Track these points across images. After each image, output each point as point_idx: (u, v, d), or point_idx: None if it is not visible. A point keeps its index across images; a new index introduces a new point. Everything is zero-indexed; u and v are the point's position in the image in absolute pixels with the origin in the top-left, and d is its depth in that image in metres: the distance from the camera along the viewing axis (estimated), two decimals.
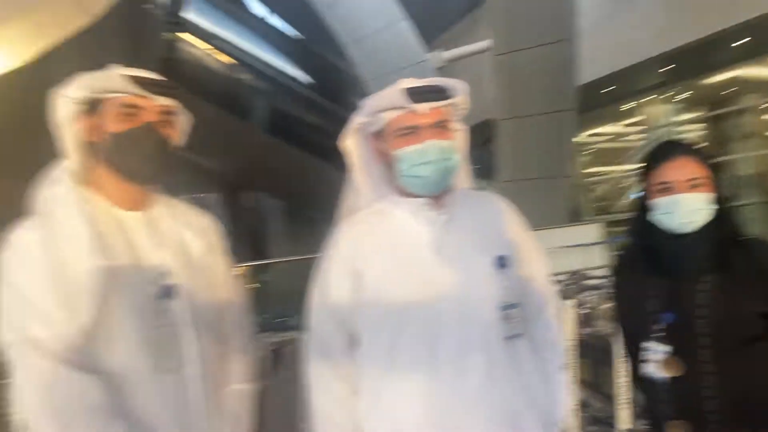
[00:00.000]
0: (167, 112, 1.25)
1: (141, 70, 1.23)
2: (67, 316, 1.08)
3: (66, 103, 1.20)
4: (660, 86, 14.29)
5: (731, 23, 10.39)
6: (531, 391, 1.23)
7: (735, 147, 14.15)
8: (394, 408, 1.17)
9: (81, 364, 1.08)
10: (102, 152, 1.20)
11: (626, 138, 17.89)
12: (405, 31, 11.30)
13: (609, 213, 15.07)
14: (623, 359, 2.21)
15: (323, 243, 1.39)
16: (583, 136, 17.28)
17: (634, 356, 1.38)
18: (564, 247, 7.76)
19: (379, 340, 1.19)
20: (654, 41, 11.81)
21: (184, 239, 1.28)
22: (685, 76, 13.62)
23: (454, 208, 1.27)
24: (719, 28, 10.62)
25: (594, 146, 19.03)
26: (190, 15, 13.00)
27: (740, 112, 13.92)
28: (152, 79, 1.22)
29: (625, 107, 15.81)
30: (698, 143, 1.42)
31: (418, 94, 1.19)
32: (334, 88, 14.79)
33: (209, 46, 13.17)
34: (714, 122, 14.51)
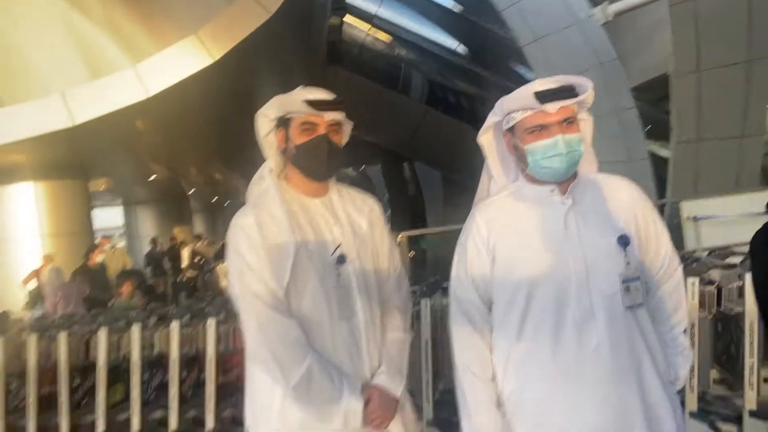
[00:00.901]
0: (336, 124, 1.54)
1: (318, 90, 1.55)
2: (274, 277, 1.45)
3: (264, 121, 1.57)
4: None
5: None
6: (650, 353, 1.34)
7: None
8: (523, 364, 1.35)
9: (284, 311, 1.45)
10: (290, 157, 1.56)
11: None
12: None
13: None
14: (752, 339, 2.09)
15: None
16: None
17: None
18: (755, 214, 6.88)
19: (512, 307, 1.35)
20: None
21: (352, 218, 1.59)
22: None
23: (579, 193, 1.39)
24: None
25: None
26: None
27: None
28: (323, 100, 1.51)
29: None
30: None
31: (546, 96, 1.31)
32: (492, 57, 14.54)
33: (369, 26, 13.76)
34: None
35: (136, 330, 2.92)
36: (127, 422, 3.11)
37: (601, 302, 1.31)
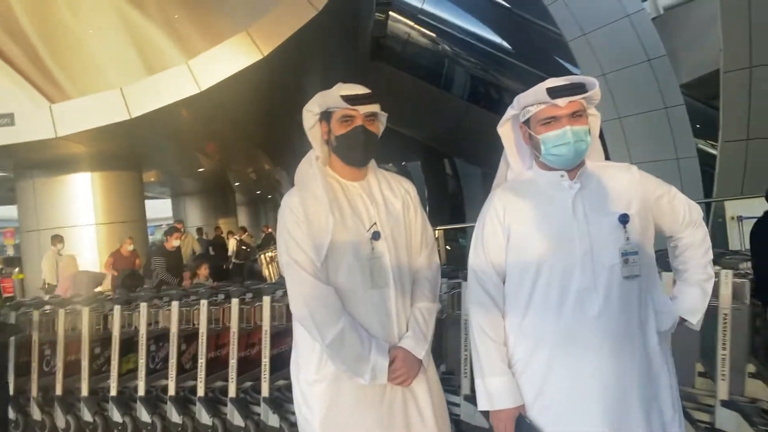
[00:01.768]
0: (371, 115, 1.72)
1: (354, 86, 1.73)
2: (314, 249, 1.65)
3: (309, 115, 1.77)
4: None
5: None
6: (648, 320, 1.50)
7: None
8: (531, 332, 1.51)
9: (323, 278, 1.65)
10: (333, 147, 1.75)
11: None
12: None
13: None
14: (725, 331, 2.14)
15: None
16: None
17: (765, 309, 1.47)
18: None
19: (523, 280, 1.51)
20: None
21: (387, 199, 1.77)
22: None
23: (585, 179, 1.56)
24: None
25: None
26: None
27: None
28: (359, 95, 1.70)
29: None
30: None
31: (557, 91, 1.49)
32: (537, 52, 14.38)
33: (414, 22, 13.83)
34: None
35: (204, 304, 3.22)
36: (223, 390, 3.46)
37: (602, 274, 1.47)
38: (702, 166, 9.55)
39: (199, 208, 18.89)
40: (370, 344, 1.63)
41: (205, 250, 12.77)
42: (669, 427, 1.47)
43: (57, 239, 8.77)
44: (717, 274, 2.22)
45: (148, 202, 12.53)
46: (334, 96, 1.70)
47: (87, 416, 3.70)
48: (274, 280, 7.16)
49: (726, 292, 2.15)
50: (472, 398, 2.59)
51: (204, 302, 3.29)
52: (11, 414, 3.79)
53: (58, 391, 3.76)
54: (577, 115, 1.51)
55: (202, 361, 3.32)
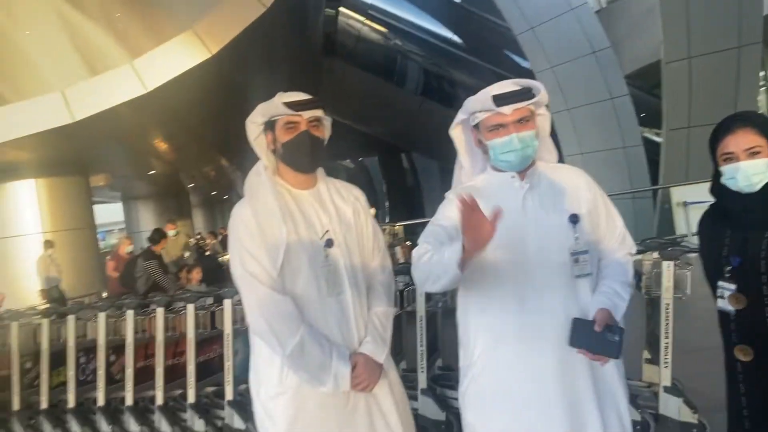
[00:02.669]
0: (315, 120, 1.73)
1: (295, 93, 1.73)
2: (270, 259, 1.64)
3: (252, 127, 1.76)
4: None
5: None
6: (588, 309, 1.50)
7: None
8: (491, 327, 1.53)
9: (279, 289, 1.63)
10: (279, 155, 1.74)
11: None
12: None
13: None
14: (667, 320, 2.25)
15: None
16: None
17: (713, 294, 1.56)
18: None
19: (482, 278, 1.52)
20: None
21: (338, 207, 1.78)
22: None
23: (536, 179, 1.59)
24: None
25: None
26: None
27: None
28: (302, 100, 1.70)
29: None
30: (762, 115, 1.53)
31: (502, 99, 1.51)
32: (487, 46, 14.59)
33: (365, 17, 13.80)
34: None
35: (191, 309, 3.16)
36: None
37: (555, 271, 1.50)
38: (648, 155, 9.91)
39: (151, 211, 18.35)
40: (330, 352, 1.63)
41: (199, 255, 12.39)
42: (624, 418, 1.52)
43: (48, 244, 8.93)
44: (659, 265, 2.31)
45: (98, 207, 12.11)
46: (276, 104, 1.70)
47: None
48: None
49: (668, 283, 2.23)
50: (429, 392, 2.62)
51: (191, 306, 3.22)
52: None
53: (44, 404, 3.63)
54: (524, 121, 1.53)
55: (159, 370, 3.24)
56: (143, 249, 7.69)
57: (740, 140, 1.50)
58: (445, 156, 16.72)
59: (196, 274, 6.65)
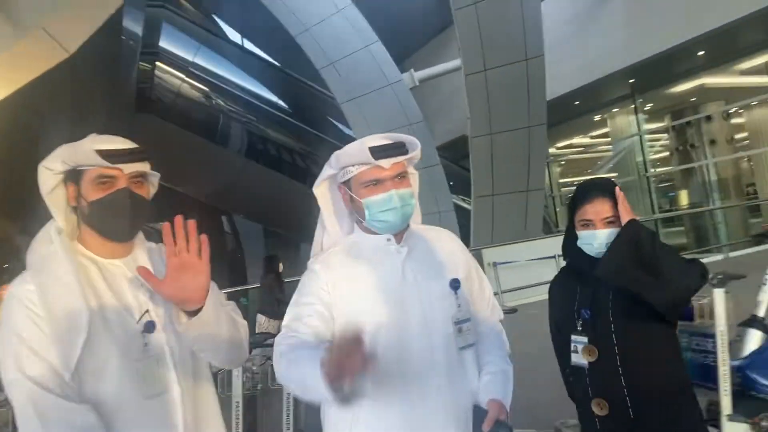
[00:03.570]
0: (139, 176, 1.37)
1: (113, 138, 1.37)
2: (60, 356, 1.21)
3: (48, 175, 1.34)
4: (625, 98, 14.82)
5: (690, 36, 10.87)
6: (474, 387, 1.41)
7: (699, 153, 14.68)
8: (373, 420, 1.33)
9: (73, 396, 1.21)
10: (83, 216, 1.35)
11: (595, 149, 18.45)
12: (379, 52, 11.47)
13: None
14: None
15: (301, 266, 1.53)
16: (554, 149, 17.77)
17: (567, 349, 1.62)
18: (541, 258, 8.00)
19: None
20: (618, 56, 12.26)
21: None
22: (648, 88, 14.16)
23: (412, 242, 1.46)
24: (679, 41, 11.09)
25: (565, 158, 19.55)
26: (166, 44, 13.12)
27: (704, 119, 14.48)
28: (122, 150, 1.33)
29: (593, 120, 16.33)
30: (613, 182, 1.76)
31: (381, 152, 1.37)
32: (312, 112, 14.97)
33: (185, 74, 13.28)
34: (678, 131, 15.04)
35: None
36: None
37: (440, 344, 1.37)
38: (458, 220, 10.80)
39: None
40: None
41: None
42: None
43: None
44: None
45: None
46: (86, 150, 1.30)
47: None
48: None
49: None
50: None
51: None
52: None
53: None
54: (401, 177, 1.40)
55: None
56: None
57: (598, 209, 1.60)
58: (270, 219, 16.45)
59: None
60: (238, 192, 14.84)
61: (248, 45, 16.64)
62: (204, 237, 1.28)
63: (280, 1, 11.16)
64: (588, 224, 1.61)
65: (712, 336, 2.16)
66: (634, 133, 15.27)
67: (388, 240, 1.43)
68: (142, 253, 1.43)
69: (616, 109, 15.62)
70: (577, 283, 1.67)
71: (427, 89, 14.15)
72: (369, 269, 1.40)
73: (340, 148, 1.45)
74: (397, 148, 1.40)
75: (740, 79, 13.47)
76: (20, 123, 7.76)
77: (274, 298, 6.38)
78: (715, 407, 2.17)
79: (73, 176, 1.34)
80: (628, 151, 15.39)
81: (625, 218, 1.57)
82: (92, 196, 1.32)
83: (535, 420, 2.77)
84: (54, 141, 1.42)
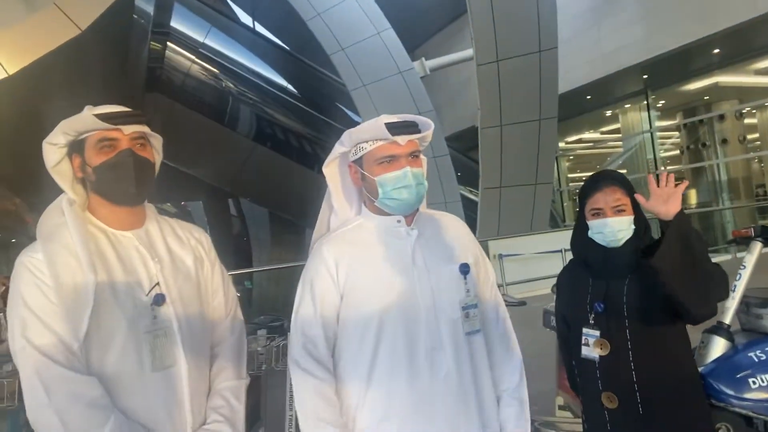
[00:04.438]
0: (139, 137, 1.36)
1: (110, 106, 1.37)
2: (68, 326, 1.21)
3: (52, 149, 1.35)
4: (638, 94, 14.69)
5: (706, 33, 10.73)
6: (487, 376, 1.41)
7: (710, 153, 14.56)
8: (379, 397, 1.32)
9: (80, 367, 1.21)
10: (90, 184, 1.35)
11: (605, 145, 18.33)
12: (390, 40, 11.39)
13: None
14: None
15: (305, 251, 1.53)
16: (563, 144, 17.67)
17: (577, 341, 1.65)
18: (547, 252, 7.97)
19: (364, 342, 1.32)
20: (632, 51, 12.12)
21: (174, 252, 1.40)
22: (662, 85, 14.02)
23: (422, 225, 1.43)
24: (695, 38, 10.96)
25: (574, 152, 19.44)
26: (177, 25, 13.07)
27: (717, 118, 14.34)
28: (119, 112, 1.34)
29: (604, 115, 16.21)
30: (623, 174, 1.73)
31: (397, 128, 1.35)
32: (321, 97, 14.91)
33: (195, 56, 13.24)
34: (690, 129, 14.91)
35: None
36: None
37: (447, 330, 1.35)
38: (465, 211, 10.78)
39: None
40: None
41: None
42: None
43: None
44: None
45: None
46: (85, 117, 1.31)
47: None
48: None
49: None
50: None
51: None
52: None
53: None
54: (415, 156, 1.38)
55: None
56: None
57: (608, 197, 1.57)
58: (277, 203, 16.44)
59: None
60: (246, 175, 14.86)
61: (259, 28, 16.56)
62: None
63: None
64: (599, 213, 1.58)
65: None
66: (646, 129, 15.13)
67: (398, 222, 1.40)
68: (154, 225, 1.42)
69: (628, 105, 15.47)
70: (589, 276, 1.65)
71: (438, 79, 14.07)
72: (378, 251, 1.38)
73: None
74: (412, 126, 1.38)
75: (755, 78, 13.30)
76: (30, 100, 7.76)
77: None
78: None
79: (77, 147, 1.34)
80: (638, 148, 15.26)
81: (673, 209, 1.45)
82: (96, 161, 1.32)
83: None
84: (62, 118, 1.41)
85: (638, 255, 1.58)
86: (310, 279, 1.38)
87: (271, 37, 15.96)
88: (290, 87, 14.76)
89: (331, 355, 1.36)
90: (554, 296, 2.92)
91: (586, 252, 1.66)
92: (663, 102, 15.05)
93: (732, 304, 2.33)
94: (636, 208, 1.60)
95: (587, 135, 18.87)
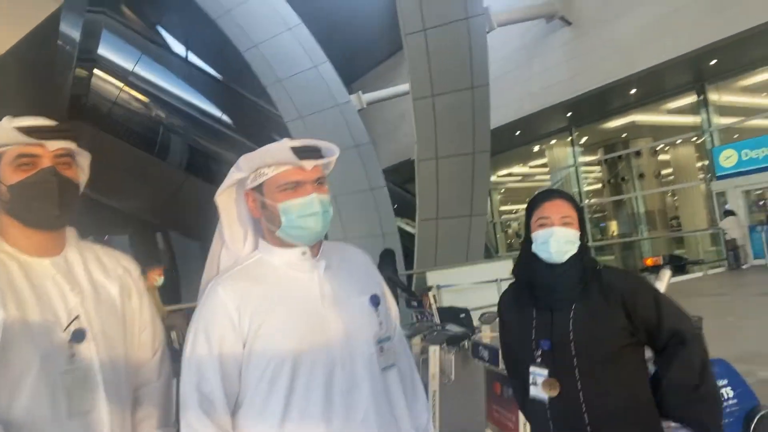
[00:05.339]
0: (64, 155, 1.22)
1: (34, 117, 1.23)
2: None
3: None
4: (563, 131, 15.48)
5: (624, 74, 11.52)
6: (404, 414, 1.32)
7: (629, 186, 15.48)
8: None
9: None
10: (3, 205, 1.20)
11: (533, 179, 19.14)
12: (327, 73, 11.43)
13: None
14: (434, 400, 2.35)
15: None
16: (495, 177, 18.28)
17: (524, 381, 1.56)
18: (482, 282, 8.11)
19: (274, 390, 1.20)
20: (557, 90, 12.81)
21: (97, 282, 1.26)
22: (584, 122, 14.87)
23: (327, 256, 1.33)
24: (614, 79, 11.73)
25: (505, 186, 20.15)
26: (105, 52, 12.62)
27: (634, 154, 15.31)
28: (44, 126, 1.21)
29: (532, 150, 16.94)
30: (568, 192, 1.67)
31: (304, 152, 1.25)
32: (255, 127, 14.72)
33: (123, 83, 12.79)
34: (610, 164, 15.84)
35: None
36: None
37: (363, 366, 1.25)
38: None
39: None
40: None
41: None
42: None
43: None
44: (426, 350, 2.29)
45: None
46: (3, 128, 1.17)
47: None
48: None
49: (434, 370, 2.22)
50: None
51: None
52: None
53: None
54: (320, 182, 1.28)
55: None
56: None
57: (557, 208, 1.55)
58: (208, 237, 15.83)
59: None
60: (176, 207, 14.34)
61: (193, 58, 16.26)
62: None
63: (228, 16, 11.00)
64: (545, 222, 1.53)
65: None
66: (570, 164, 15.92)
67: (304, 254, 1.28)
68: (74, 252, 1.26)
69: (554, 141, 16.28)
70: (533, 307, 1.56)
71: (375, 112, 14.27)
72: (284, 288, 1.25)
73: None
74: (319, 151, 1.28)
75: (667, 117, 14.38)
76: None
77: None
78: None
79: None
80: (564, 182, 16.02)
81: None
82: (12, 179, 1.17)
83: None
84: None
85: (583, 283, 1.53)
86: (204, 327, 1.22)
87: (204, 66, 15.69)
88: (225, 117, 14.51)
89: (230, 414, 1.21)
90: (483, 326, 2.89)
91: (531, 273, 1.58)
92: (586, 138, 15.93)
93: None
94: (582, 227, 1.57)
95: (517, 169, 19.64)
